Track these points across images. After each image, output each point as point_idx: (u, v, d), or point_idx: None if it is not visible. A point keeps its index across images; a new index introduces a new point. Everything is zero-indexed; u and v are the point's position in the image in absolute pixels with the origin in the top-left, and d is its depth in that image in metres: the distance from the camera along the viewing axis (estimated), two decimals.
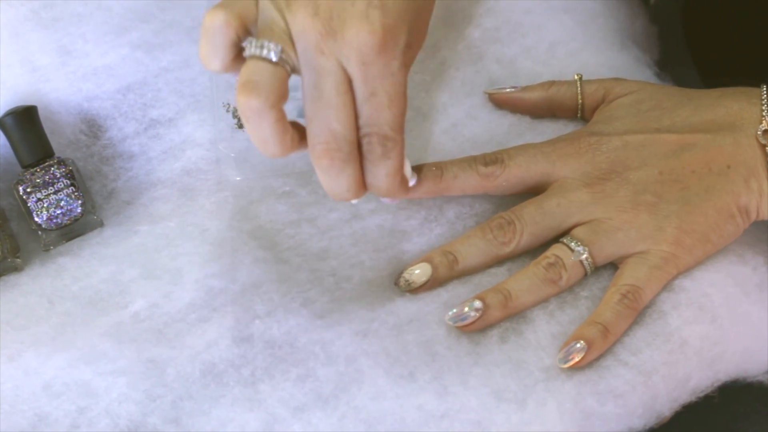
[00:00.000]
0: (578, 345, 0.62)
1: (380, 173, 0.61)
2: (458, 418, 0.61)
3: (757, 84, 0.67)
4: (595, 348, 0.62)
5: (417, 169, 0.66)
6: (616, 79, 0.71)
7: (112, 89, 0.73)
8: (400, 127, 0.60)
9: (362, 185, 0.61)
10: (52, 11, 0.73)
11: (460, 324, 0.64)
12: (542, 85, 0.73)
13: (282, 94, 0.58)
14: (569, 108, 0.72)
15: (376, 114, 0.59)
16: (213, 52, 0.59)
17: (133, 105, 0.73)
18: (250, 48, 0.58)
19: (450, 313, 0.64)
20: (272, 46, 0.58)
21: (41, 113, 0.71)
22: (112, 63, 0.73)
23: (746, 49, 0.84)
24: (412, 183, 0.65)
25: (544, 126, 0.73)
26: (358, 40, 0.57)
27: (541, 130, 0.73)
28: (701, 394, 0.64)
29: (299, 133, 0.60)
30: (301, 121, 0.61)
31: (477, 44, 0.76)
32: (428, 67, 0.75)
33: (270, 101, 0.57)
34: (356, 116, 0.59)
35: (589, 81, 0.72)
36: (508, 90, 0.73)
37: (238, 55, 0.59)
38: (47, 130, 0.71)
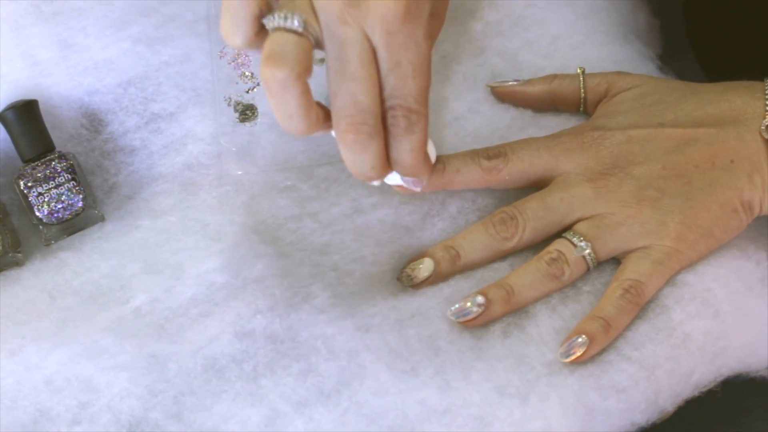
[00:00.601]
0: (580, 339, 0.62)
1: (404, 149, 0.60)
2: (460, 413, 0.61)
3: (759, 77, 0.67)
4: (597, 343, 0.62)
5: None
6: (619, 73, 0.71)
7: (113, 83, 0.72)
8: (424, 100, 0.59)
9: (386, 163, 0.60)
10: (52, 5, 0.73)
11: (462, 319, 0.64)
12: (545, 78, 0.72)
13: (307, 66, 0.56)
14: (572, 102, 0.72)
15: (401, 85, 0.58)
16: (235, 26, 0.57)
17: (134, 99, 0.73)
18: (274, 20, 0.57)
19: (452, 308, 0.64)
20: (296, 16, 0.56)
21: (42, 107, 0.71)
22: (113, 57, 0.73)
23: (748, 42, 0.84)
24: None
25: (546, 120, 0.73)
26: (383, 9, 0.56)
27: (543, 124, 0.72)
28: (704, 389, 0.64)
29: (323, 112, 0.59)
30: (323, 102, 0.60)
31: (479, 38, 0.76)
32: None
33: (296, 72, 0.55)
34: (381, 89, 0.58)
35: (591, 74, 0.71)
36: (510, 83, 0.73)
37: (261, 31, 0.58)
38: (48, 125, 0.71)
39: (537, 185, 0.68)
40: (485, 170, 0.67)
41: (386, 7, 0.56)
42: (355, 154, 0.59)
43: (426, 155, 0.62)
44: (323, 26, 0.57)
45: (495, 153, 0.67)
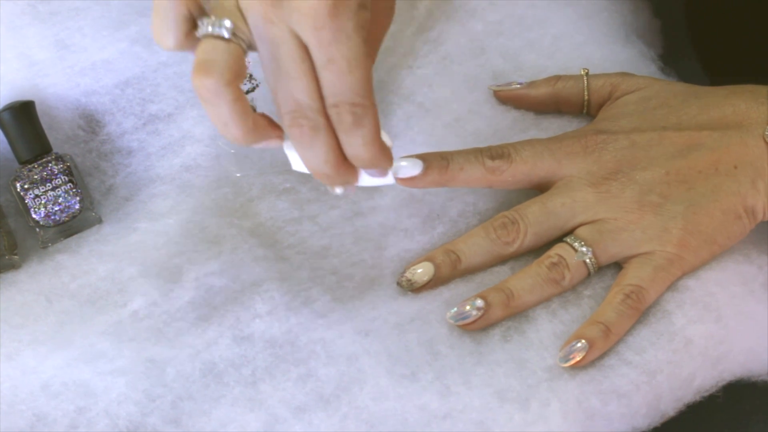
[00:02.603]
0: (579, 344, 0.62)
1: (357, 143, 0.58)
2: (461, 418, 0.61)
3: (760, 76, 0.67)
4: (596, 348, 0.62)
5: (422, 158, 0.65)
6: (623, 75, 0.71)
7: (111, 84, 0.72)
8: (367, 92, 0.57)
9: (341, 158, 0.59)
10: (49, 5, 0.73)
11: (461, 323, 0.64)
12: (548, 80, 0.72)
13: (237, 72, 0.56)
14: (575, 104, 0.72)
15: (338, 81, 0.57)
16: (165, 28, 0.57)
17: (132, 100, 0.72)
18: (203, 27, 0.57)
19: (452, 311, 0.64)
20: (224, 23, 0.56)
21: (39, 108, 0.71)
22: (110, 57, 0.72)
23: (749, 42, 0.84)
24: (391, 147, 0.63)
25: (548, 122, 0.72)
26: (305, 7, 0.55)
27: (545, 125, 0.72)
28: (706, 394, 0.64)
29: (266, 120, 0.59)
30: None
31: (480, 38, 0.76)
32: (431, 62, 0.75)
33: (225, 79, 0.55)
34: (319, 85, 0.57)
35: (595, 76, 0.71)
36: (513, 87, 0.72)
37: (192, 32, 0.57)
38: (45, 126, 0.71)
39: (538, 188, 0.67)
40: (489, 170, 0.66)
41: (309, 5, 0.55)
42: (305, 148, 0.58)
43: (382, 144, 0.60)
44: (252, 28, 0.57)
45: (499, 153, 0.67)
